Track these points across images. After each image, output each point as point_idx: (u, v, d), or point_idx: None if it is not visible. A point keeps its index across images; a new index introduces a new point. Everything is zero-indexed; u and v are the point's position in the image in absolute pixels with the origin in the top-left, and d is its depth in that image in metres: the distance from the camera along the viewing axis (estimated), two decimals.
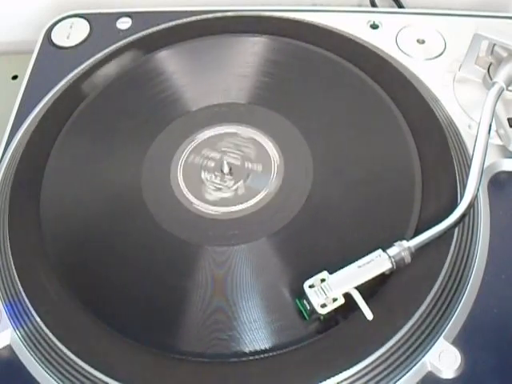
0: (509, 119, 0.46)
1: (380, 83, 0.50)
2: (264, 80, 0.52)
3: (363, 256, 0.39)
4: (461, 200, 0.41)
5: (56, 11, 0.62)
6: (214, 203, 0.46)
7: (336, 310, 0.38)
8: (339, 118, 0.49)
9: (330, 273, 0.39)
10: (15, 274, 0.42)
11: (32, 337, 0.40)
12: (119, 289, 0.42)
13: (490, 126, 0.44)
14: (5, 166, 0.50)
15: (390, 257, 0.39)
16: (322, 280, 0.38)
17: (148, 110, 0.51)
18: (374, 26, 0.56)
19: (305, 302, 0.38)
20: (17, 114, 0.53)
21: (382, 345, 0.37)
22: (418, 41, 0.55)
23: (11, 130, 0.52)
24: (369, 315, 0.37)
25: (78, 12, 0.61)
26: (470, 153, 0.44)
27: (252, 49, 0.54)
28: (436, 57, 0.53)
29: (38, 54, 0.58)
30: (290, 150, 0.48)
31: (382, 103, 0.49)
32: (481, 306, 0.40)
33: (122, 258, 0.43)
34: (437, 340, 0.38)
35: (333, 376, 0.37)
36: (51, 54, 0.58)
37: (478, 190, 0.42)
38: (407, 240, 0.40)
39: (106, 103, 0.52)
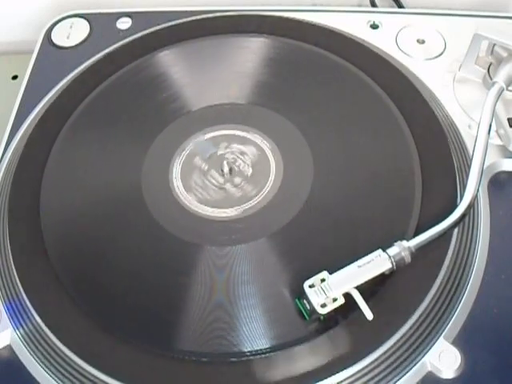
0: (509, 119, 0.46)
1: (380, 83, 0.50)
2: (264, 80, 0.52)
3: (363, 256, 0.39)
4: (461, 200, 0.41)
5: (56, 11, 0.62)
6: (214, 203, 0.46)
7: (336, 309, 0.38)
8: (339, 118, 0.49)
9: (330, 273, 0.39)
10: (15, 274, 0.43)
11: (32, 337, 0.40)
12: (119, 289, 0.42)
13: (490, 126, 0.44)
14: (5, 166, 0.50)
15: (390, 257, 0.39)
16: (322, 280, 0.38)
17: (148, 110, 0.51)
18: (374, 26, 0.56)
19: (305, 301, 0.38)
20: (17, 114, 0.53)
21: (382, 345, 0.37)
22: (417, 41, 0.55)
23: (11, 130, 0.52)
24: (369, 315, 0.37)
25: (78, 12, 0.61)
26: (470, 153, 0.44)
27: (252, 49, 0.54)
28: (436, 57, 0.53)
29: (38, 53, 0.58)
30: (290, 150, 0.48)
31: (382, 103, 0.49)
32: (481, 306, 0.40)
33: (122, 257, 0.43)
34: (437, 340, 0.38)
35: (333, 376, 0.37)
36: (51, 54, 0.58)
37: (478, 190, 0.42)
38: (407, 240, 0.40)
39: (106, 103, 0.52)
